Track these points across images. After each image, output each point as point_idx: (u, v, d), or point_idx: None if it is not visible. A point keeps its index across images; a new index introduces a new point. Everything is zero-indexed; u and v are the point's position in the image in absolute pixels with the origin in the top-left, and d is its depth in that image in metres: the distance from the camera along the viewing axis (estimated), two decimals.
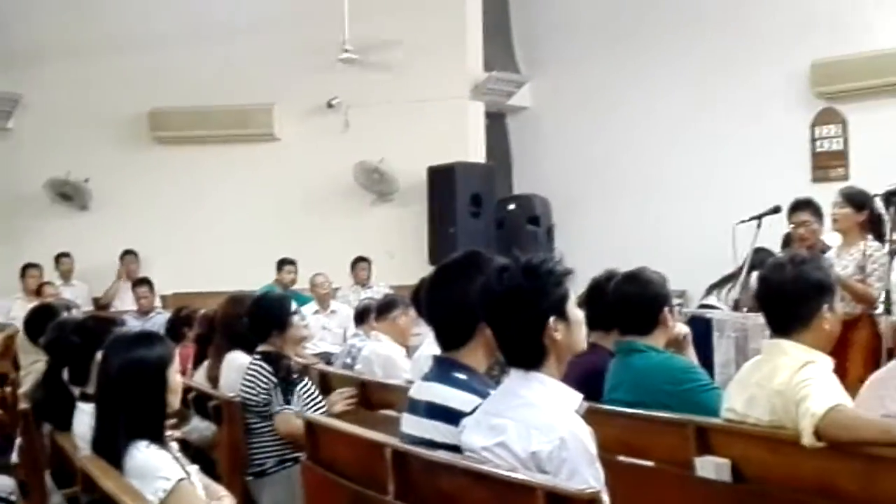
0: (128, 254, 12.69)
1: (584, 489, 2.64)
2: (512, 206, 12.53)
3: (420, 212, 12.53)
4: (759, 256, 6.90)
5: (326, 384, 6.60)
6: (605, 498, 2.79)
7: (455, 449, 3.18)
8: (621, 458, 4.10)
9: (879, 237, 6.73)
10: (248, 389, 5.50)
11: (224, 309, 6.31)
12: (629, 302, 4.51)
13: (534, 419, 2.96)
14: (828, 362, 3.58)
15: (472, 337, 3.34)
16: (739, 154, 10.87)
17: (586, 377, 4.21)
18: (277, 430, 5.38)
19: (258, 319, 5.68)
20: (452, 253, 3.61)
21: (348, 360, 7.82)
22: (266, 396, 5.42)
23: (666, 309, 4.48)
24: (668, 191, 11.46)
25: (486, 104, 13.05)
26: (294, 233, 12.37)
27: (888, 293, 5.67)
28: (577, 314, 3.10)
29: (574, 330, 3.08)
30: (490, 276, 3.09)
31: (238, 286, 8.24)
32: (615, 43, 12.12)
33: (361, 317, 8.41)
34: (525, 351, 3.05)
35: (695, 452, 3.81)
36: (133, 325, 9.57)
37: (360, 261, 12.11)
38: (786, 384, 3.46)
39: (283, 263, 11.88)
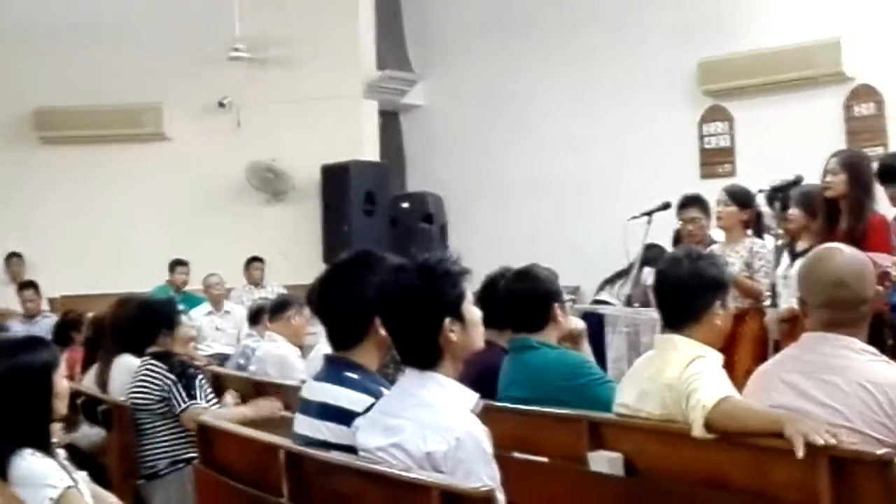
0: (13, 256, 12.40)
1: (479, 487, 2.64)
2: (405, 204, 12.53)
3: (313, 211, 12.46)
4: (651, 253, 7.00)
5: (220, 385, 6.52)
6: (500, 496, 2.80)
7: (349, 449, 3.17)
8: (516, 454, 4.12)
9: (759, 234, 6.88)
10: (141, 389, 5.44)
11: (113, 312, 6.21)
12: (519, 299, 4.54)
13: (430, 419, 2.96)
14: (717, 357, 3.64)
15: (365, 336, 3.33)
16: (630, 151, 11.01)
17: (481, 375, 4.22)
18: (187, 427, 5.29)
19: (145, 321, 5.67)
20: (346, 251, 3.61)
21: (242, 361, 7.75)
22: (161, 394, 5.38)
23: (556, 305, 4.52)
24: (560, 187, 11.56)
25: (379, 103, 13.03)
26: (186, 233, 12.20)
27: (773, 287, 5.79)
28: (473, 314, 3.11)
29: (470, 330, 3.09)
30: (387, 275, 3.09)
31: (129, 288, 8.12)
32: (507, 42, 12.19)
33: (255, 317, 8.35)
34: (421, 351, 3.05)
35: (588, 447, 3.83)
36: (18, 329, 9.36)
37: (253, 261, 12.01)
38: (676, 378, 3.51)
39: (175, 265, 11.71)
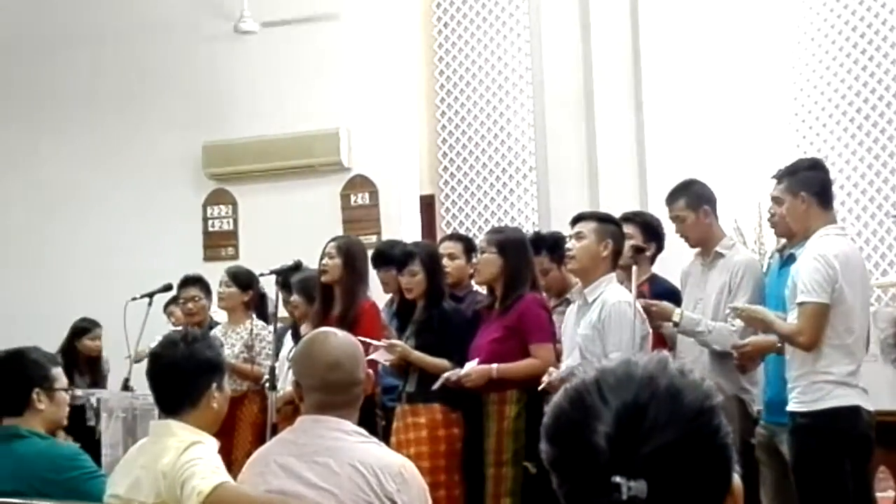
0: None
1: None
2: None
3: None
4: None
5: None
6: None
7: None
8: None
9: (264, 316, 7.02)
10: None
11: None
12: (2, 384, 4.28)
13: None
14: (213, 443, 3.61)
15: None
16: (134, 233, 10.78)
17: None
18: None
19: None
20: None
21: None
22: None
23: (36, 391, 4.27)
24: (62, 266, 11.09)
25: None
26: None
27: (273, 370, 5.89)
28: None
29: None
30: None
31: None
32: (8, 118, 11.54)
33: None
34: None
35: None
36: None
37: None
38: (171, 465, 3.44)
39: None
